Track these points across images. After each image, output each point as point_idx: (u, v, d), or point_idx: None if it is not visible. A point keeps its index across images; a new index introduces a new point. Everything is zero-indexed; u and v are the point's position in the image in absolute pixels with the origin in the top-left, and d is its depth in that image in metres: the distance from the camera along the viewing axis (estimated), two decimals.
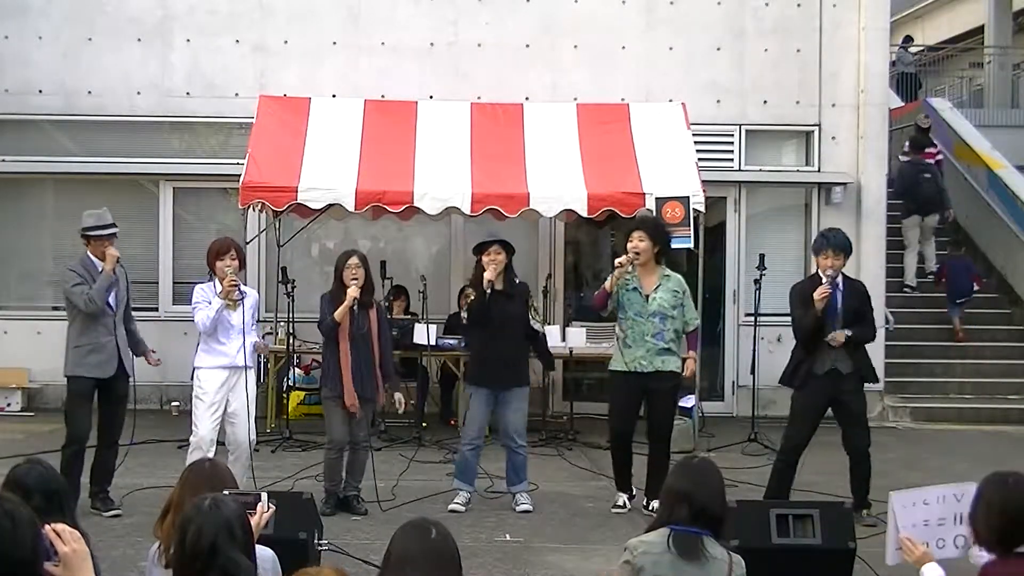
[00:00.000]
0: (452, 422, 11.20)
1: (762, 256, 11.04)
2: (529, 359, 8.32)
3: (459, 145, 10.71)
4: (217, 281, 7.43)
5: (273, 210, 10.39)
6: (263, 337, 9.71)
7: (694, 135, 11.03)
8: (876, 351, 10.40)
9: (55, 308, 11.18)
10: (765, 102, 12.63)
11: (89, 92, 12.33)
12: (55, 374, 7.93)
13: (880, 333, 10.38)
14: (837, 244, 7.45)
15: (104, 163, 12.29)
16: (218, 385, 7.36)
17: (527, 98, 11.80)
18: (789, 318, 7.68)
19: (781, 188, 12.93)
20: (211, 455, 6.34)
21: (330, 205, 10.31)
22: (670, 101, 11.46)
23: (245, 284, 7.65)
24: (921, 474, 9.06)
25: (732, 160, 12.69)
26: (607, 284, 7.68)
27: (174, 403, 11.58)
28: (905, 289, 14.43)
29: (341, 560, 6.03)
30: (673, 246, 8.87)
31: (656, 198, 9.92)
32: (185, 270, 12.05)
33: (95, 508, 7.41)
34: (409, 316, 11.40)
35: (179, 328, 11.07)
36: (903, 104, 18.63)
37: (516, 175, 10.40)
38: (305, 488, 7.29)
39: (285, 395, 11.21)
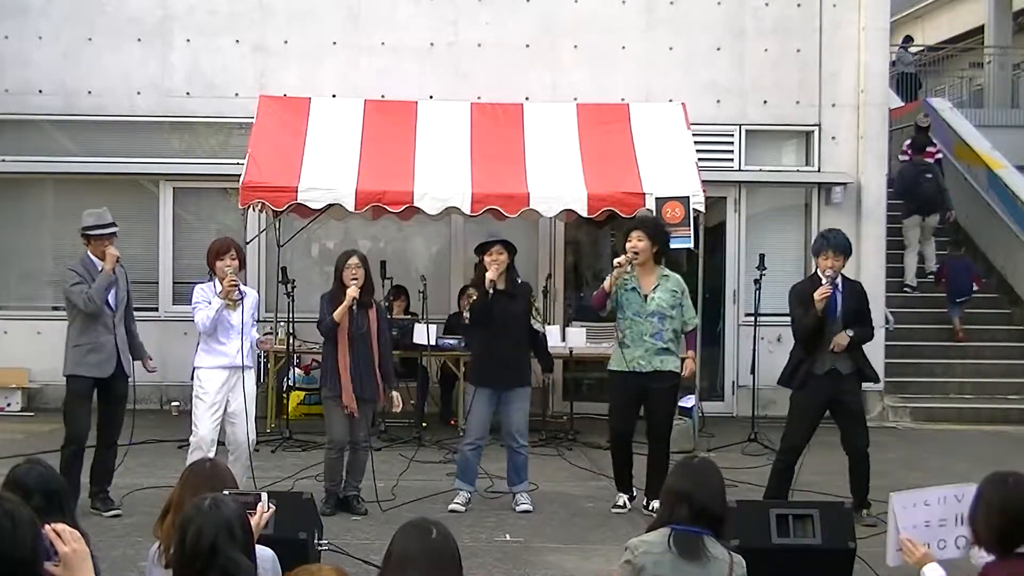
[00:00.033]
0: (452, 422, 11.20)
1: (762, 256, 11.04)
2: (530, 359, 8.31)
3: (459, 145, 10.71)
4: (217, 281, 7.43)
5: (273, 210, 10.39)
6: (264, 335, 9.70)
7: (694, 135, 11.02)
8: (876, 351, 10.43)
9: (55, 308, 11.17)
10: (765, 102, 12.63)
11: (89, 92, 12.33)
12: (55, 374, 7.91)
13: (880, 333, 10.39)
14: (837, 245, 7.45)
15: (104, 163, 12.29)
16: (218, 385, 7.36)
17: (527, 98, 11.80)
18: (789, 318, 7.68)
19: (781, 188, 12.92)
20: (211, 455, 6.33)
21: (330, 205, 10.31)
22: (670, 101, 11.45)
23: (245, 284, 7.65)
24: (921, 474, 9.06)
25: (732, 160, 12.69)
26: (606, 284, 7.69)
27: (174, 403, 11.57)
28: (905, 289, 14.43)
29: (341, 560, 6.02)
30: (673, 246, 8.88)
31: (656, 198, 9.92)
32: (185, 270, 12.05)
33: (95, 508, 7.41)
34: (409, 316, 11.40)
35: (179, 328, 11.09)
36: (903, 104, 18.62)
37: (516, 175, 10.40)
38: (305, 488, 7.29)
39: (285, 395, 11.21)
